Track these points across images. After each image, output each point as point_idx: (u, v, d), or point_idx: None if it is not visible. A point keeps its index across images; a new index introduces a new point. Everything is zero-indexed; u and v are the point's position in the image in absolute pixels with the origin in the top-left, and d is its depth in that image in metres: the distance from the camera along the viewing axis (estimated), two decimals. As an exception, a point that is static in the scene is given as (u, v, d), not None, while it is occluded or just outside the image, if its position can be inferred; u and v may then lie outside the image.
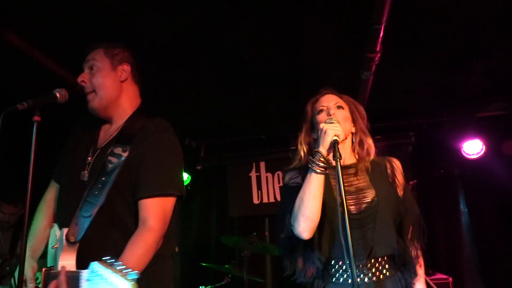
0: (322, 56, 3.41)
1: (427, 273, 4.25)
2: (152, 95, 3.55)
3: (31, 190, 1.54)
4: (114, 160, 1.68)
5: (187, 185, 4.96)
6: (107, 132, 1.83)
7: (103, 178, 1.66)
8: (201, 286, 3.78)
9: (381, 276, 1.61)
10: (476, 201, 4.75)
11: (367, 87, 3.59)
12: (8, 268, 3.10)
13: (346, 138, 1.74)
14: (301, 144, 1.84)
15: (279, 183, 5.01)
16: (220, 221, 5.16)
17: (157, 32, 2.93)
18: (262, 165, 5.15)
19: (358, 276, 1.61)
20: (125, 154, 1.68)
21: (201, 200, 5.30)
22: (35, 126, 1.55)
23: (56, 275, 1.52)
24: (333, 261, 1.65)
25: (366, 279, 1.60)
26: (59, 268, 1.54)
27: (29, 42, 2.86)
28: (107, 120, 1.84)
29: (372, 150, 1.76)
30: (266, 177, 5.10)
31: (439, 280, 4.14)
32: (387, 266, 1.63)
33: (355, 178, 1.70)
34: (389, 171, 1.73)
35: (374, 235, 1.61)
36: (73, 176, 1.75)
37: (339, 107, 1.78)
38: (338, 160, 1.51)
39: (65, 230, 1.61)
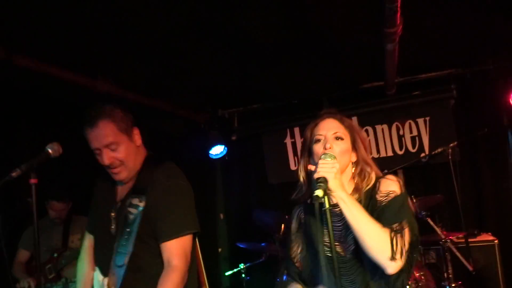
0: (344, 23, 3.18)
1: (472, 234, 4.16)
2: (180, 70, 3.61)
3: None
4: (133, 211, 1.88)
5: (224, 156, 5.05)
6: (124, 187, 1.99)
7: (128, 229, 1.87)
8: (241, 264, 3.96)
9: None
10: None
11: (394, 56, 3.33)
12: (63, 261, 3.40)
13: (343, 171, 1.66)
14: (300, 171, 1.78)
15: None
16: (260, 188, 5.26)
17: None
18: (296, 130, 5.08)
19: None
20: (142, 204, 1.87)
21: (240, 169, 5.39)
22: (33, 189, 1.63)
23: None
24: None
25: None
26: None
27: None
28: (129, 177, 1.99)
29: (372, 181, 1.66)
30: (301, 142, 5.03)
31: (484, 242, 4.03)
32: None
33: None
34: (380, 193, 1.63)
35: (365, 276, 1.57)
36: (103, 230, 1.97)
37: (337, 138, 1.67)
38: (328, 209, 1.47)
39: (106, 280, 1.88)
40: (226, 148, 5.02)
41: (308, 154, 1.77)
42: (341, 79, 4.55)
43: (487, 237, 4.09)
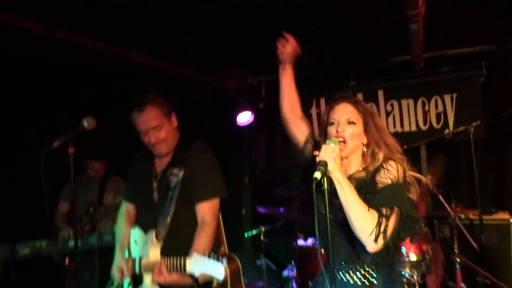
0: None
1: (489, 212, 4.24)
2: (211, 39, 3.76)
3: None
4: (174, 178, 2.31)
5: (251, 123, 5.24)
6: (162, 161, 2.41)
7: (170, 194, 2.30)
8: (261, 226, 4.23)
9: (361, 280, 1.78)
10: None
11: (419, 35, 3.35)
12: (98, 215, 3.76)
13: (353, 153, 1.83)
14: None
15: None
16: (284, 156, 5.44)
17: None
18: (322, 101, 5.20)
19: (351, 276, 1.81)
20: (181, 173, 2.30)
21: (265, 136, 5.58)
22: (71, 158, 1.90)
23: (151, 263, 2.20)
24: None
25: (349, 279, 1.80)
26: (150, 257, 2.22)
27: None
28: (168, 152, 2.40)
29: (379, 162, 1.79)
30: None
31: (499, 221, 4.11)
32: (371, 271, 1.78)
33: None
34: (378, 177, 1.78)
35: (358, 245, 1.75)
36: (145, 198, 2.39)
37: (350, 122, 1.81)
38: (326, 189, 1.64)
39: (153, 232, 2.27)
40: (253, 116, 5.20)
41: (324, 135, 1.91)
42: (368, 53, 4.57)
43: (503, 215, 4.16)
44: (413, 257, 3.25)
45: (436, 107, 4.74)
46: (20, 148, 3.48)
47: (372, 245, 1.64)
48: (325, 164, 1.66)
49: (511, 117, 4.21)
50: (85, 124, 2.01)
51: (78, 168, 3.55)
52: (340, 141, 1.76)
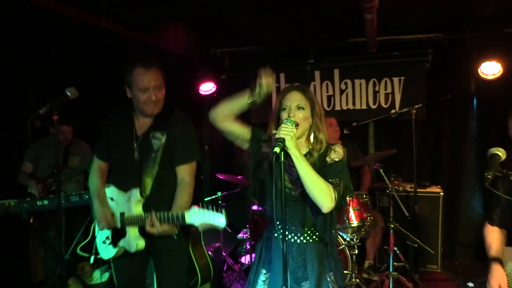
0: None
1: (423, 186, 4.75)
2: (177, 10, 3.87)
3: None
4: (157, 142, 2.46)
5: (212, 93, 5.44)
6: (142, 124, 2.55)
7: (153, 155, 2.45)
8: (219, 192, 4.52)
9: (306, 240, 2.11)
10: (487, 120, 4.85)
11: (373, 23, 3.64)
12: (63, 177, 3.90)
13: (304, 134, 2.10)
14: (271, 130, 2.17)
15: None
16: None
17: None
18: (282, 76, 5.45)
19: (292, 237, 2.13)
20: (164, 138, 2.46)
21: (226, 106, 5.80)
22: (56, 123, 2.08)
23: (135, 217, 2.40)
24: (278, 222, 2.16)
25: (296, 240, 2.12)
26: (133, 212, 2.41)
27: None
28: (141, 115, 2.54)
29: (323, 145, 2.10)
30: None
31: (431, 193, 4.62)
32: (312, 234, 2.11)
33: None
34: (328, 157, 2.08)
35: (305, 212, 2.08)
36: (125, 157, 2.52)
37: (299, 107, 2.08)
38: (282, 163, 1.91)
39: (137, 189, 2.44)
40: (215, 86, 5.39)
41: (276, 119, 2.17)
42: (327, 33, 4.84)
43: (436, 189, 4.68)
44: (354, 223, 3.66)
45: (385, 88, 5.14)
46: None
47: (327, 207, 1.94)
48: (283, 140, 1.91)
49: (448, 101, 4.70)
50: (69, 93, 2.16)
51: (44, 131, 3.69)
52: (295, 122, 2.03)
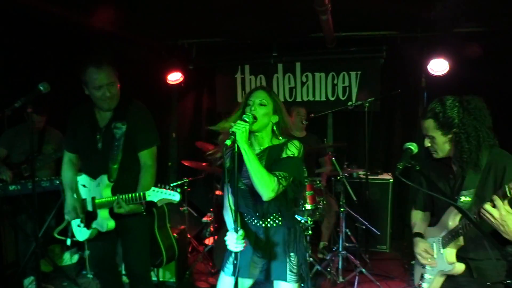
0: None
1: (375, 173, 5.14)
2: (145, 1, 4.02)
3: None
4: (119, 131, 2.71)
5: (180, 83, 5.63)
6: (103, 117, 2.78)
7: (116, 144, 2.70)
8: (185, 178, 4.77)
9: (270, 224, 2.36)
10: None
11: (328, 23, 3.92)
12: (38, 164, 4.06)
13: (263, 129, 2.31)
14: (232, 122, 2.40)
15: (260, 84, 5.66)
16: (208, 114, 5.99)
17: None
18: (247, 68, 5.71)
19: (255, 221, 2.39)
20: (124, 127, 2.70)
21: (193, 96, 6.03)
22: (30, 116, 2.30)
23: (105, 200, 2.67)
24: (245, 214, 2.43)
25: (261, 224, 2.37)
26: (103, 196, 2.69)
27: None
28: (101, 109, 2.76)
29: (282, 140, 2.32)
30: (250, 79, 5.71)
31: (381, 180, 5.02)
32: (275, 219, 2.36)
33: (262, 161, 2.32)
34: (283, 152, 2.33)
35: (257, 200, 2.34)
36: (90, 148, 2.76)
37: (262, 104, 2.30)
38: (236, 153, 2.15)
39: (104, 176, 2.71)
40: (182, 76, 5.59)
41: (242, 113, 2.40)
42: (290, 27, 5.09)
43: (386, 176, 5.08)
44: (308, 207, 4.00)
45: (343, 82, 5.48)
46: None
47: (266, 197, 2.18)
48: (234, 134, 2.14)
49: (401, 95, 5.06)
50: (41, 88, 2.36)
51: (17, 118, 3.84)
52: (253, 117, 2.25)
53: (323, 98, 5.55)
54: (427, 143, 2.24)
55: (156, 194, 2.44)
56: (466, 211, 1.94)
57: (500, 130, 2.25)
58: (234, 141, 2.12)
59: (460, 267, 2.10)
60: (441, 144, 2.18)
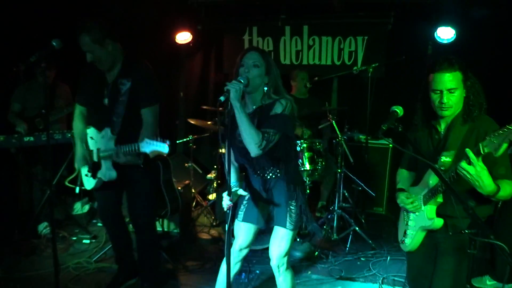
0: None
1: (376, 138, 5.27)
2: None
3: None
4: (124, 87, 2.87)
5: (189, 42, 5.71)
6: (110, 73, 2.95)
7: (121, 99, 2.87)
8: (190, 135, 4.95)
9: (270, 176, 2.53)
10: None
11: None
12: (50, 118, 4.26)
13: (257, 89, 2.41)
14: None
15: (268, 47, 5.73)
16: (216, 75, 6.10)
17: None
18: (255, 29, 5.77)
19: (259, 175, 2.55)
20: (128, 83, 2.86)
21: (201, 56, 6.12)
22: (44, 71, 2.55)
23: (108, 152, 2.85)
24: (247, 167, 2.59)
25: (261, 177, 2.54)
26: (107, 148, 2.86)
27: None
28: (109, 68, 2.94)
29: (273, 98, 2.43)
30: (257, 41, 5.77)
31: (381, 144, 5.15)
32: (273, 172, 2.52)
33: (253, 120, 2.47)
34: (273, 110, 2.40)
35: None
36: (98, 102, 2.95)
37: (255, 65, 2.39)
38: (228, 112, 2.27)
39: (108, 129, 2.89)
40: (191, 36, 5.66)
41: (236, 74, 2.52)
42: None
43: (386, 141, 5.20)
44: (307, 167, 4.18)
45: (350, 46, 5.52)
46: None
47: (253, 152, 2.32)
48: (229, 92, 2.24)
49: (406, 62, 5.10)
50: (54, 44, 2.50)
51: (29, 74, 4.01)
52: (247, 78, 2.36)
53: (329, 62, 5.61)
54: (446, 98, 2.20)
55: (148, 145, 2.59)
56: (439, 171, 2.10)
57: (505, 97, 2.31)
58: (227, 98, 2.23)
59: (438, 223, 2.27)
60: (459, 98, 2.22)
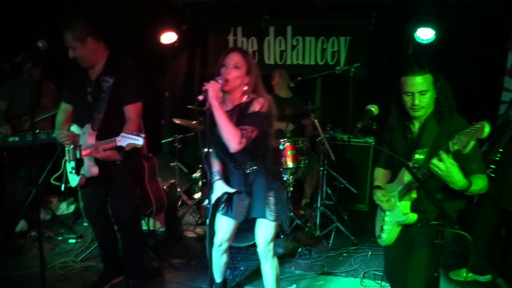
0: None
1: (357, 137, 5.36)
2: None
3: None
4: (106, 84, 2.89)
5: (174, 42, 5.75)
6: (94, 71, 2.98)
7: (103, 95, 2.89)
8: (176, 135, 5.00)
9: (249, 171, 2.64)
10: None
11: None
12: (37, 117, 4.25)
13: (236, 89, 2.50)
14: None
15: (252, 47, 5.80)
16: (201, 75, 6.14)
17: None
18: (239, 29, 5.83)
19: (236, 169, 2.67)
20: (111, 80, 2.88)
21: (186, 56, 6.16)
22: (30, 70, 2.65)
23: (89, 148, 2.85)
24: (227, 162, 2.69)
25: (240, 171, 2.65)
26: (88, 144, 2.88)
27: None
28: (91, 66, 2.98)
29: (251, 98, 2.54)
30: (242, 41, 5.83)
31: (363, 143, 5.24)
32: (251, 166, 2.63)
33: (231, 118, 2.55)
34: (251, 107, 2.48)
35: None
36: (81, 99, 2.99)
37: (235, 67, 2.48)
38: (207, 110, 2.35)
39: (89, 125, 2.91)
40: (176, 36, 5.70)
41: (217, 73, 2.59)
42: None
43: (369, 140, 5.33)
44: (290, 165, 4.26)
45: (333, 46, 5.62)
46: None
47: (232, 148, 2.40)
48: (207, 91, 2.32)
49: (388, 62, 5.21)
50: (40, 45, 2.54)
51: (14, 71, 4.02)
52: (225, 80, 2.44)
53: (312, 62, 5.70)
54: (418, 100, 2.30)
55: (124, 140, 2.60)
56: (411, 168, 2.20)
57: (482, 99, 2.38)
58: (205, 98, 2.32)
59: (412, 217, 2.38)
60: (430, 99, 2.32)
